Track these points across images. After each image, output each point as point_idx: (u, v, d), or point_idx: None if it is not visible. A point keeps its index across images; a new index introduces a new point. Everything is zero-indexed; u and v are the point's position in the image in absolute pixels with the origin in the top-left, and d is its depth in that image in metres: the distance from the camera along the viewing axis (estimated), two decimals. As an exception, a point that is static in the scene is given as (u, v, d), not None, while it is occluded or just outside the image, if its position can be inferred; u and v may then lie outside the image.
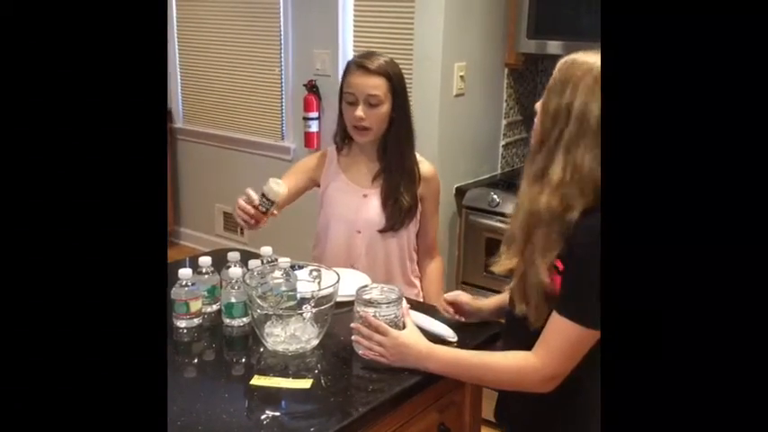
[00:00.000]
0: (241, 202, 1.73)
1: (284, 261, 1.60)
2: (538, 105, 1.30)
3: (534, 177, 1.25)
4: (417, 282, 2.02)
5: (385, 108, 1.82)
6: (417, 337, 1.38)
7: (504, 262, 1.34)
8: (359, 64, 1.82)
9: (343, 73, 1.88)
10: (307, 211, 2.22)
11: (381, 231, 1.90)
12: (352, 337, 1.42)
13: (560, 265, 1.22)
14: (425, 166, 1.95)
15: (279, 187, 1.72)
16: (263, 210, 1.71)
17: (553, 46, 2.62)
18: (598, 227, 1.14)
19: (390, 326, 1.38)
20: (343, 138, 1.94)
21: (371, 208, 1.91)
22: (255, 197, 1.71)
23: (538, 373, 1.24)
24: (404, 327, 1.41)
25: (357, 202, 1.92)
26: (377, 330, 1.37)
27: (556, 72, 1.25)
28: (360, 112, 1.80)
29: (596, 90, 1.18)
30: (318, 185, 2.00)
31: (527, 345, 1.28)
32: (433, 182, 1.97)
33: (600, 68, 1.17)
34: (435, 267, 2.05)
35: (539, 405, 1.31)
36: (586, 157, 1.19)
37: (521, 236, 1.28)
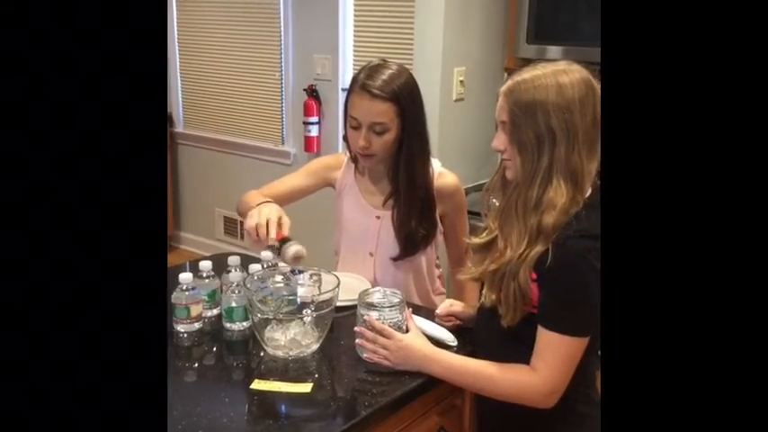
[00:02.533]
0: (262, 230, 1.54)
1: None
2: (500, 145, 1.28)
3: (531, 207, 1.24)
4: (442, 299, 1.86)
5: (391, 135, 1.66)
6: (422, 341, 1.39)
7: (475, 268, 1.36)
8: (363, 86, 1.63)
9: (348, 88, 1.71)
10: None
11: (394, 259, 1.79)
12: (356, 341, 1.42)
13: (533, 275, 1.23)
14: (446, 179, 1.79)
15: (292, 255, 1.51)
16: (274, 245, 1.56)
17: (553, 51, 2.63)
18: (575, 240, 1.18)
19: (394, 329, 1.38)
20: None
21: (384, 232, 1.79)
22: (273, 236, 1.53)
23: (542, 388, 1.25)
24: (407, 330, 1.41)
25: (369, 223, 1.81)
26: (381, 333, 1.38)
27: (509, 105, 1.24)
28: (363, 140, 1.65)
29: (566, 98, 1.19)
30: (331, 185, 1.89)
31: (498, 336, 1.31)
32: (456, 195, 1.82)
33: (546, 77, 1.21)
34: None
35: (516, 416, 1.32)
36: (583, 159, 1.21)
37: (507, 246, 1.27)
